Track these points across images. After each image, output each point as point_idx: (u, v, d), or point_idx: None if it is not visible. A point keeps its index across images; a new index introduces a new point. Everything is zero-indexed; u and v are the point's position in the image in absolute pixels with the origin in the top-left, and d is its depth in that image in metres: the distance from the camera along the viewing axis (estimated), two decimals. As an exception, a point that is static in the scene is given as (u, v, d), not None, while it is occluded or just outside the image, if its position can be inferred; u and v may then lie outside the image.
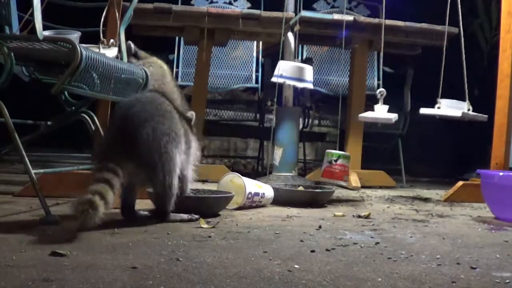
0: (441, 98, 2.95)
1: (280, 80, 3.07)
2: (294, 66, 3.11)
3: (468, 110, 2.93)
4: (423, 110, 3.00)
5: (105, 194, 1.72)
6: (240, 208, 2.46)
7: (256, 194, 2.52)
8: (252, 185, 2.54)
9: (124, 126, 1.89)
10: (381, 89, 2.93)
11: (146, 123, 1.89)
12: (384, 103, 2.94)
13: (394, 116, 2.88)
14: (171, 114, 1.99)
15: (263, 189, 2.59)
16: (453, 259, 1.62)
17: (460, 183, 3.18)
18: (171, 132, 1.95)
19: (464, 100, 2.96)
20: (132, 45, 2.59)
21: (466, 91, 2.96)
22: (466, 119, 2.93)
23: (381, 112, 2.93)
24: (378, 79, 4.49)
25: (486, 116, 3.02)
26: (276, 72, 3.09)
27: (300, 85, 3.11)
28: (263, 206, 2.60)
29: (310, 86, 3.13)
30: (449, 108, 2.93)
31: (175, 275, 1.32)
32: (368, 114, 3.02)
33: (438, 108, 2.95)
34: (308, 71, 3.10)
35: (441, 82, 2.99)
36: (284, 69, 3.06)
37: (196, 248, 1.62)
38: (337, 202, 2.88)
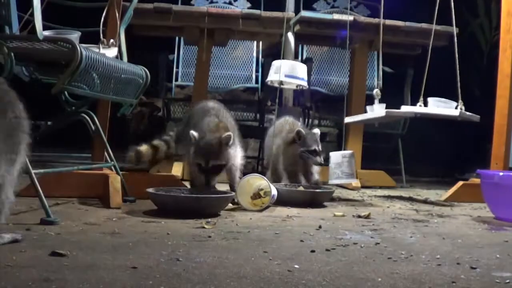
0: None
1: (275, 77, 3.13)
2: (290, 64, 3.21)
3: (461, 109, 2.91)
4: (404, 108, 3.01)
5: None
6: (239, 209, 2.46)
7: (273, 196, 2.53)
8: (273, 187, 2.59)
9: None
10: (377, 89, 2.93)
11: None
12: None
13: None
14: None
15: (274, 189, 2.60)
16: (453, 259, 1.62)
17: (460, 183, 3.17)
18: None
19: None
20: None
21: (459, 90, 2.95)
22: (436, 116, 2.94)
23: (368, 113, 2.98)
24: (378, 79, 4.49)
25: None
26: (275, 72, 3.13)
27: (295, 82, 3.19)
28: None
29: (304, 83, 3.22)
30: (433, 106, 2.93)
31: (175, 275, 1.32)
32: (352, 117, 3.21)
33: (420, 106, 2.95)
34: (302, 69, 3.19)
35: (423, 81, 2.97)
36: (282, 68, 3.11)
37: (196, 248, 1.62)
38: (337, 202, 2.88)
